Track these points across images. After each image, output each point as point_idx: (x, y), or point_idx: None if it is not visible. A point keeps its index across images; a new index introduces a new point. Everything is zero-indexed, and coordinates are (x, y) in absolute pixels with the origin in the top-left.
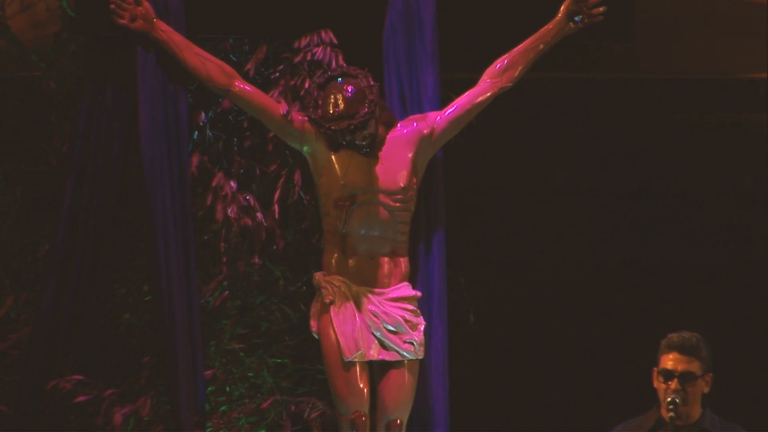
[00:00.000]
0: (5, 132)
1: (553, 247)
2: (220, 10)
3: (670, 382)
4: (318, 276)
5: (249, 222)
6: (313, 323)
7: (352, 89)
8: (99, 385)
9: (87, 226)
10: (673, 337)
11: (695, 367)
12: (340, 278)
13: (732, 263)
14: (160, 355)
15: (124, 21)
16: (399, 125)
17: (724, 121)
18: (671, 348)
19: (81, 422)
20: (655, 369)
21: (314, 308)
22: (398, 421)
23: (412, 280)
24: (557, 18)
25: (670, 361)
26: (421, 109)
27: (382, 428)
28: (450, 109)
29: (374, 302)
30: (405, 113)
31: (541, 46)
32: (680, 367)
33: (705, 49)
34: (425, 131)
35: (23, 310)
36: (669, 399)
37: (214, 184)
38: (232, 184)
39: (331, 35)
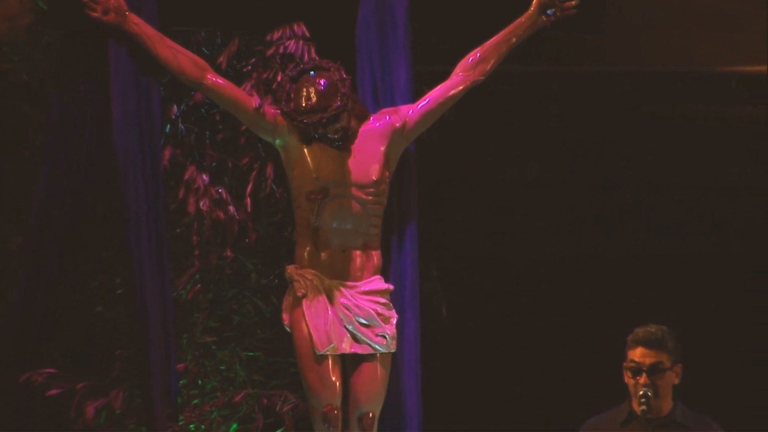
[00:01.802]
0: None
1: (527, 240)
2: (192, 2)
3: (638, 377)
4: (290, 269)
5: (221, 215)
6: (285, 316)
7: (324, 82)
8: (71, 378)
9: (59, 219)
10: (639, 332)
11: (663, 359)
12: (313, 271)
13: (712, 256)
14: (133, 348)
15: (96, 14)
16: (371, 118)
17: (696, 113)
18: (637, 343)
19: (53, 416)
20: (624, 365)
21: (286, 301)
22: (370, 415)
23: (385, 273)
24: (529, 11)
25: (637, 356)
26: (393, 103)
27: (354, 421)
28: (422, 103)
29: (346, 295)
30: (377, 106)
31: (514, 40)
32: (648, 361)
33: (677, 41)
34: (397, 124)
35: None
36: (641, 392)
37: (186, 177)
38: (205, 177)
39: (304, 28)
